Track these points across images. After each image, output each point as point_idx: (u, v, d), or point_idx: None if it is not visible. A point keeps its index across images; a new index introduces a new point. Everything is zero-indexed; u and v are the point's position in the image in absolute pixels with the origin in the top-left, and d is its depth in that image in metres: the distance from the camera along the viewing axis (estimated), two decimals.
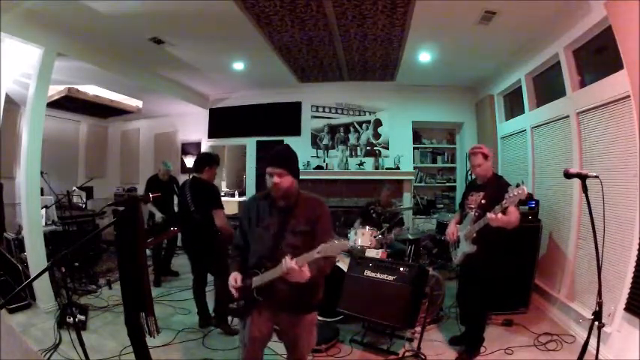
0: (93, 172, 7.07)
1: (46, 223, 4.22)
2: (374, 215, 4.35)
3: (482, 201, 2.60)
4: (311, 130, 6.37)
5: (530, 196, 3.78)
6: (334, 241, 1.55)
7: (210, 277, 3.31)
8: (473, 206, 2.69)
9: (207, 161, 3.19)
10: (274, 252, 1.76)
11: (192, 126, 7.09)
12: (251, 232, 1.88)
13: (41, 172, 3.74)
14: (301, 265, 1.59)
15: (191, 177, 3.29)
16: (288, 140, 6.42)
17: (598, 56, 3.12)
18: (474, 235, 2.59)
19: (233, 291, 1.81)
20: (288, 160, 1.81)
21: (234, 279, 1.82)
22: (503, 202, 2.27)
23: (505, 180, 2.72)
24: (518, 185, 2.25)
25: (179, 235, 3.95)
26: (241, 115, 6.63)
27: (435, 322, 3.32)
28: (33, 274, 3.27)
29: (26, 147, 3.50)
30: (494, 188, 2.58)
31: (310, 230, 1.77)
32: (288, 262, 1.59)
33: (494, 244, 2.55)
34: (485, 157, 2.69)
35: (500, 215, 2.32)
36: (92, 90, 4.99)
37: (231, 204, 6.56)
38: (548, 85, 3.96)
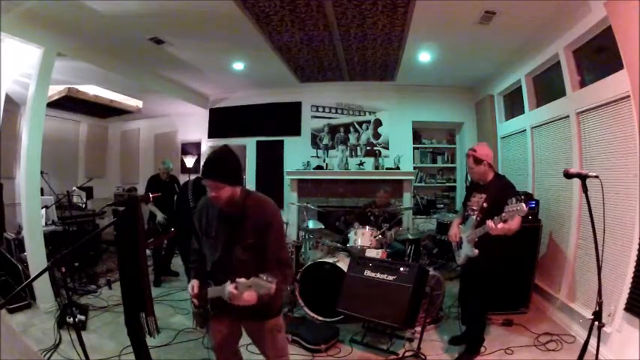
0: (93, 172, 7.07)
1: (46, 223, 4.22)
2: (371, 218, 4.35)
3: (484, 204, 2.59)
4: (311, 130, 6.37)
5: (530, 196, 3.78)
6: (263, 277, 1.43)
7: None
8: (475, 208, 2.68)
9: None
10: (225, 264, 1.70)
11: (192, 126, 7.09)
12: (202, 240, 1.82)
13: (41, 172, 3.74)
14: (242, 292, 1.47)
15: (195, 177, 3.32)
16: (288, 140, 6.44)
17: (598, 56, 3.12)
18: (476, 239, 2.58)
19: (192, 300, 1.78)
20: (221, 170, 1.62)
21: (192, 286, 1.77)
22: (503, 214, 2.26)
23: (507, 180, 2.70)
24: (518, 200, 2.23)
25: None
26: (241, 115, 6.64)
27: (435, 322, 3.32)
28: (33, 274, 3.26)
29: (26, 147, 3.49)
30: (496, 191, 2.57)
31: (259, 243, 1.64)
32: (229, 288, 1.49)
33: (496, 245, 2.54)
34: (478, 161, 2.65)
35: (500, 225, 2.31)
36: (92, 90, 4.99)
37: None
38: (548, 85, 3.96)
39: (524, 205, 2.18)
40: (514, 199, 2.26)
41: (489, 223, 2.34)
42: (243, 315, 1.71)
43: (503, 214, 2.25)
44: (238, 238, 1.67)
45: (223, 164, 1.65)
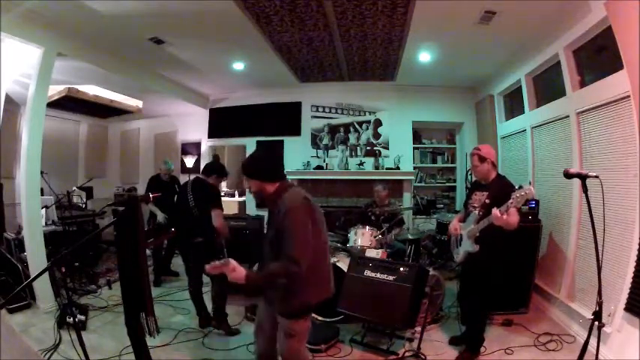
0: (93, 172, 7.07)
1: (46, 223, 4.22)
2: (372, 218, 4.34)
3: (487, 201, 2.60)
4: (311, 130, 6.37)
5: None
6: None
7: (206, 279, 3.30)
8: (476, 205, 2.69)
9: (218, 171, 3.25)
10: (263, 253, 1.90)
11: (192, 126, 7.09)
12: None
13: (41, 172, 3.73)
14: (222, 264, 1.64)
15: (194, 177, 3.32)
16: (288, 140, 6.45)
17: (598, 56, 3.12)
18: (477, 234, 2.59)
19: None
20: (248, 165, 1.91)
21: None
22: (510, 201, 2.27)
23: (509, 180, 2.72)
24: (521, 187, 2.24)
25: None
26: (241, 115, 6.63)
27: (435, 322, 3.32)
28: (33, 274, 3.26)
29: (26, 147, 3.49)
30: (499, 189, 2.58)
31: (277, 239, 1.72)
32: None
33: (496, 244, 2.56)
34: (482, 159, 2.68)
35: (505, 216, 2.32)
36: (92, 90, 4.98)
37: (231, 204, 6.57)
38: (548, 85, 3.95)
39: (532, 188, 2.18)
40: (519, 187, 2.26)
41: (495, 211, 2.34)
42: (269, 302, 1.89)
43: (511, 201, 2.26)
44: (269, 230, 1.87)
45: (252, 161, 1.93)
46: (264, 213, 4.86)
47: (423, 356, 2.74)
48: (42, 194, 4.05)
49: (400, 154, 6.03)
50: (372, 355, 2.86)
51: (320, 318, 3.32)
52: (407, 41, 4.15)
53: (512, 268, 3.30)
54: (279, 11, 3.45)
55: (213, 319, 3.20)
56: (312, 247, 1.71)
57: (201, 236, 3.07)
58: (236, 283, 1.64)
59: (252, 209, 6.27)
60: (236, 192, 7.01)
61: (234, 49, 4.51)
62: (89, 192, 6.29)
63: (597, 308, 1.76)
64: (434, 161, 6.54)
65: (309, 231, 1.72)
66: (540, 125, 3.97)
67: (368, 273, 3.05)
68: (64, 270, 3.33)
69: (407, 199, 6.00)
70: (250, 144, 6.68)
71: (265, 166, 1.90)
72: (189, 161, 6.79)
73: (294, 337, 1.83)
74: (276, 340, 1.97)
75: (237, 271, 1.63)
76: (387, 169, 6.00)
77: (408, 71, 5.26)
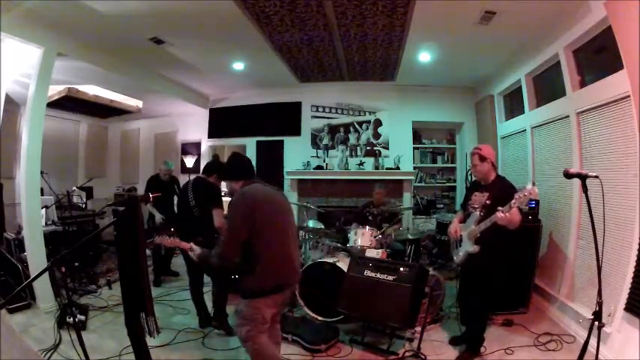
0: (93, 172, 7.07)
1: (46, 223, 4.22)
2: (370, 218, 4.33)
3: (487, 201, 2.60)
4: (311, 130, 6.37)
5: None
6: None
7: (206, 279, 3.30)
8: (477, 206, 2.69)
9: (218, 170, 3.22)
10: None
11: (192, 126, 7.10)
12: None
13: (41, 172, 3.74)
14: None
15: (195, 176, 3.32)
16: (288, 140, 6.45)
17: (598, 56, 3.12)
18: (478, 235, 2.59)
19: None
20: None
21: None
22: (513, 200, 2.26)
23: (508, 181, 2.73)
24: (524, 187, 2.24)
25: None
26: (241, 115, 6.64)
27: (435, 322, 3.32)
28: (33, 274, 3.26)
29: (26, 147, 3.49)
30: (500, 190, 2.59)
31: None
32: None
33: (496, 244, 2.55)
34: (482, 158, 2.69)
35: (508, 214, 2.32)
36: (92, 90, 4.99)
37: None
38: (548, 85, 3.96)
39: (535, 188, 2.18)
40: (523, 187, 2.26)
41: (499, 212, 2.34)
42: None
43: (514, 201, 2.25)
44: None
45: (225, 164, 2.31)
46: None
47: (423, 356, 2.74)
48: (42, 194, 4.05)
49: (400, 154, 6.03)
50: (372, 355, 2.85)
51: (320, 318, 3.32)
52: (407, 41, 4.16)
53: (512, 268, 3.30)
54: (279, 11, 3.45)
55: (214, 319, 3.20)
56: (241, 239, 1.93)
57: (201, 236, 3.07)
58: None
59: None
60: None
61: (234, 49, 4.51)
62: (89, 192, 6.29)
63: (597, 308, 1.76)
64: (434, 161, 6.54)
65: (236, 224, 1.96)
66: (540, 125, 3.97)
67: (368, 273, 3.04)
68: (64, 270, 3.32)
69: (407, 199, 6.00)
70: (250, 144, 6.69)
71: (227, 166, 2.24)
72: (189, 161, 6.80)
73: (238, 317, 2.06)
74: (273, 331, 2.22)
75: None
76: (387, 169, 6.00)
77: (408, 71, 5.26)
